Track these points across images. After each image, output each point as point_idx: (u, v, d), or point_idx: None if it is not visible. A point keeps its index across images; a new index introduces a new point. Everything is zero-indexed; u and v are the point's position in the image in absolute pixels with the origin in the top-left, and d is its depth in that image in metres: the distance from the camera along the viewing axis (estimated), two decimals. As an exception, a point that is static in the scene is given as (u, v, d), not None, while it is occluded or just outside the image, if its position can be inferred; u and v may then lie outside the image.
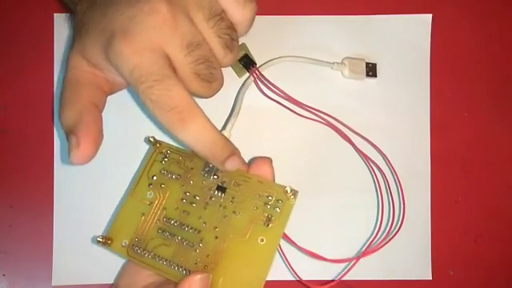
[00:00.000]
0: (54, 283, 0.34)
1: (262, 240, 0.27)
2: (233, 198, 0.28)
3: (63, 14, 0.35)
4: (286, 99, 0.34)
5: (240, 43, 0.34)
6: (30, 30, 0.35)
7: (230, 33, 0.27)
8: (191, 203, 0.28)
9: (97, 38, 0.25)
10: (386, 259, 0.34)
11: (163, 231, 0.28)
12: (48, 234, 0.34)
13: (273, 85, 0.34)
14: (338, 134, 0.34)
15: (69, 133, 0.25)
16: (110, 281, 0.33)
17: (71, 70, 0.27)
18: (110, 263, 0.33)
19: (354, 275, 0.33)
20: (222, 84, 0.28)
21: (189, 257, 0.27)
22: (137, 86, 0.24)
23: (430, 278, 0.35)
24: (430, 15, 0.36)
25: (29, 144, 0.35)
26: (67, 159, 0.34)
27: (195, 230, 0.28)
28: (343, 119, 0.34)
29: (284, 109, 0.34)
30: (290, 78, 0.35)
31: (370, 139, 0.34)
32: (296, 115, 0.34)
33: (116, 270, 0.33)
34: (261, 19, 0.35)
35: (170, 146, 0.30)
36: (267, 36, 0.35)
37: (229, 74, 0.35)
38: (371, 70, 0.35)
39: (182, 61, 0.25)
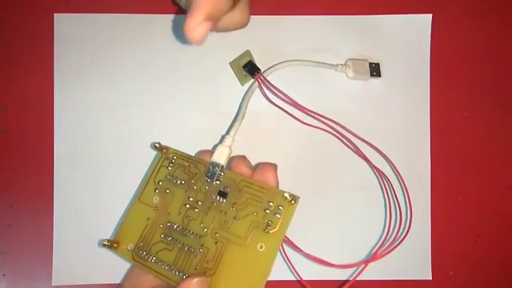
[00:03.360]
0: (54, 283, 0.34)
1: (262, 247, 0.26)
2: (234, 203, 0.28)
3: (63, 14, 0.35)
4: (291, 104, 0.34)
5: (244, 50, 0.35)
6: (30, 29, 0.35)
7: None
8: (194, 208, 0.28)
9: None
10: (385, 259, 0.34)
11: (166, 236, 0.28)
12: (48, 234, 0.34)
13: (278, 90, 0.33)
14: (342, 139, 0.34)
15: None
16: (110, 281, 0.33)
17: None
18: (110, 263, 0.33)
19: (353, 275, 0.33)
20: None
21: (189, 262, 0.27)
22: None
23: (430, 278, 0.35)
24: (430, 15, 0.36)
25: (29, 144, 0.35)
26: (67, 159, 0.35)
27: (196, 235, 0.28)
28: (348, 122, 0.34)
29: (288, 114, 0.34)
30: (294, 81, 0.35)
31: (373, 143, 0.34)
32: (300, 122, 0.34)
33: (116, 270, 0.33)
34: (261, 19, 0.36)
35: (176, 152, 0.30)
36: (268, 38, 0.35)
37: (233, 79, 0.35)
38: (375, 70, 0.35)
39: None
